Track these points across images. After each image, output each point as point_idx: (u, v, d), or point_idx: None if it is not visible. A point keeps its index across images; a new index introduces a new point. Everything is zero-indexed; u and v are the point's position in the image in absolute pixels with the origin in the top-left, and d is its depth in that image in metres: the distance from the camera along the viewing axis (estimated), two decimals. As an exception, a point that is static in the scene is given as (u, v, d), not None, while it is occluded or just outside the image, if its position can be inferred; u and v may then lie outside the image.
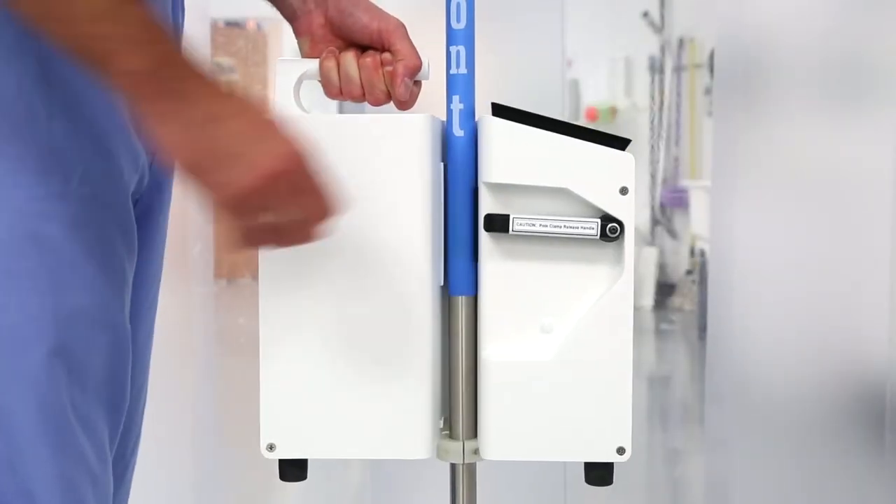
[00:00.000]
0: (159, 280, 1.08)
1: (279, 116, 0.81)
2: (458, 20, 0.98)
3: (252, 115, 0.80)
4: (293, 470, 1.01)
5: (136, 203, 0.95)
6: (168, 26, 0.82)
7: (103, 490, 0.89)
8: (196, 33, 2.21)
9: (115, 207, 0.88)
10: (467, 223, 0.99)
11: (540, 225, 0.97)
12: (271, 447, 1.00)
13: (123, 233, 0.89)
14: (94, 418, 0.87)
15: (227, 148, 0.78)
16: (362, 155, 0.96)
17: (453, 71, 0.99)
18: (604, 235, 0.97)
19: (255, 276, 0.98)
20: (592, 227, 0.97)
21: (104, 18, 0.75)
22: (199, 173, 0.79)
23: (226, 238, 0.84)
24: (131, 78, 0.76)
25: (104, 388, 0.88)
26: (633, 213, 0.97)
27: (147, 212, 0.99)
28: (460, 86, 0.98)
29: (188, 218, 2.24)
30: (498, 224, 0.97)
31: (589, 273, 0.99)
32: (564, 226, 0.97)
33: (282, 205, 0.81)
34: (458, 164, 0.99)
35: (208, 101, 0.79)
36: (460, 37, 0.98)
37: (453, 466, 1.04)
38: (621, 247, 0.98)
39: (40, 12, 0.76)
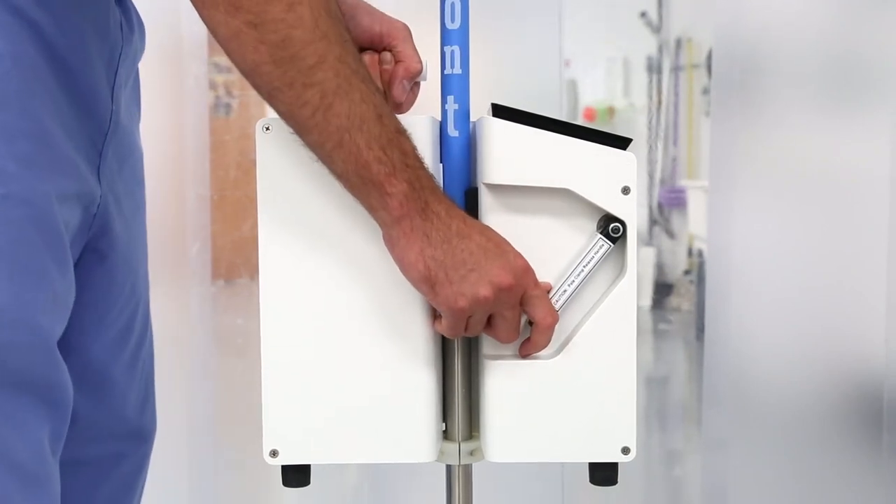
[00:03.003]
0: (134, 302, 1.09)
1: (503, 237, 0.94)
2: (453, 20, 0.98)
3: (488, 233, 0.93)
4: (296, 476, 1.01)
5: (94, 216, 0.96)
6: (416, 149, 0.90)
7: (43, 487, 0.89)
8: (195, 34, 2.21)
9: (34, 209, 0.87)
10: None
11: (569, 285, 0.98)
12: (274, 453, 0.99)
13: (46, 238, 0.88)
14: (24, 416, 0.87)
15: (463, 263, 0.91)
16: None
17: (448, 71, 0.99)
18: (607, 236, 0.97)
19: (252, 277, 0.98)
20: (602, 244, 0.97)
21: (388, 146, 0.88)
22: (434, 284, 0.91)
23: (444, 328, 0.96)
24: (398, 199, 0.88)
25: (31, 386, 0.88)
26: (635, 213, 0.97)
27: (106, 228, 1.00)
28: (455, 86, 0.98)
29: (186, 218, 2.24)
30: None
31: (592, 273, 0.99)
32: (584, 268, 0.98)
33: (506, 312, 0.94)
34: (454, 164, 0.99)
35: (453, 219, 0.91)
36: (455, 37, 0.98)
37: (449, 468, 1.04)
38: (623, 246, 0.98)
39: (335, 143, 0.87)
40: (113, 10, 0.98)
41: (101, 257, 1.01)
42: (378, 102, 0.88)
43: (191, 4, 0.86)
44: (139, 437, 1.12)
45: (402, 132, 0.89)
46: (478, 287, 0.91)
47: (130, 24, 1.02)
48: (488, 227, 0.94)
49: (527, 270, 0.94)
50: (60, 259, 0.90)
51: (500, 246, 0.93)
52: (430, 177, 0.91)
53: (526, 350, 0.98)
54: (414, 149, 0.90)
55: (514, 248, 0.94)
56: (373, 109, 0.87)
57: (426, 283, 0.91)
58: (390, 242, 0.92)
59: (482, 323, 0.95)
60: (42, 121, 0.88)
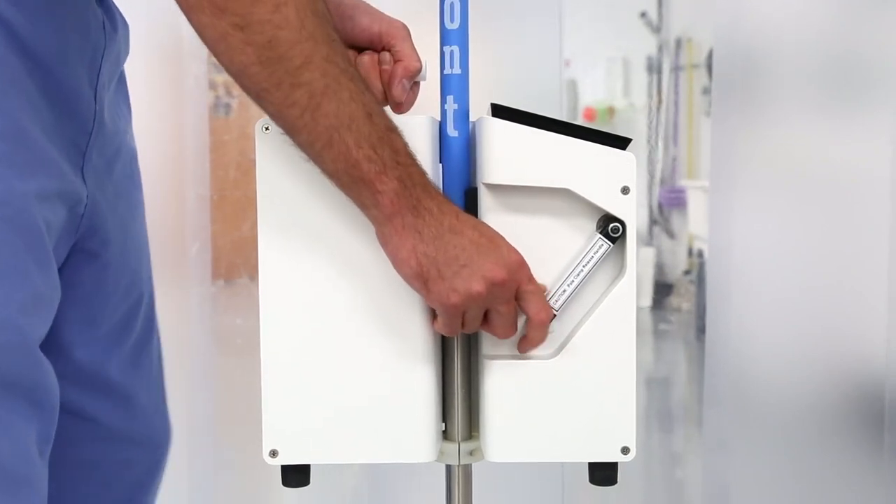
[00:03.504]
0: (130, 311, 1.08)
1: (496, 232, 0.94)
2: (452, 20, 0.98)
3: (481, 228, 0.93)
4: (296, 476, 1.01)
5: (81, 216, 0.96)
6: (408, 147, 0.90)
7: (30, 488, 0.88)
8: (195, 34, 2.20)
9: (10, 208, 0.87)
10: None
11: (568, 285, 0.98)
12: (274, 453, 0.99)
13: (25, 237, 0.88)
14: (7, 416, 0.87)
15: (455, 258, 0.90)
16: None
17: (447, 71, 0.99)
18: (606, 236, 0.97)
19: (252, 277, 0.98)
20: (601, 244, 0.97)
21: (378, 145, 0.87)
22: (427, 280, 0.91)
23: (440, 325, 0.96)
24: (388, 196, 0.88)
25: (14, 387, 0.87)
26: (634, 213, 0.97)
27: (94, 229, 0.99)
28: (454, 86, 0.98)
29: (186, 218, 2.24)
30: None
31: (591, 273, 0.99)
32: (583, 268, 0.98)
33: (500, 307, 0.93)
34: (453, 164, 0.99)
35: (445, 216, 0.90)
36: (454, 37, 0.98)
37: (449, 468, 1.04)
38: (623, 246, 0.98)
39: (324, 142, 0.87)
40: (94, 9, 0.97)
41: (93, 257, 1.01)
42: (367, 101, 0.88)
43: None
44: (150, 442, 1.11)
45: (393, 130, 0.89)
46: (470, 282, 0.91)
47: (114, 24, 1.01)
48: (482, 223, 0.94)
49: (520, 265, 0.94)
50: (41, 259, 0.90)
51: (493, 241, 0.93)
52: (423, 174, 0.91)
53: (523, 346, 0.98)
54: (406, 146, 0.90)
55: (507, 243, 0.93)
56: (362, 108, 0.87)
57: (419, 279, 0.91)
58: (382, 240, 0.92)
59: (478, 319, 0.95)
60: (18, 120, 0.87)
